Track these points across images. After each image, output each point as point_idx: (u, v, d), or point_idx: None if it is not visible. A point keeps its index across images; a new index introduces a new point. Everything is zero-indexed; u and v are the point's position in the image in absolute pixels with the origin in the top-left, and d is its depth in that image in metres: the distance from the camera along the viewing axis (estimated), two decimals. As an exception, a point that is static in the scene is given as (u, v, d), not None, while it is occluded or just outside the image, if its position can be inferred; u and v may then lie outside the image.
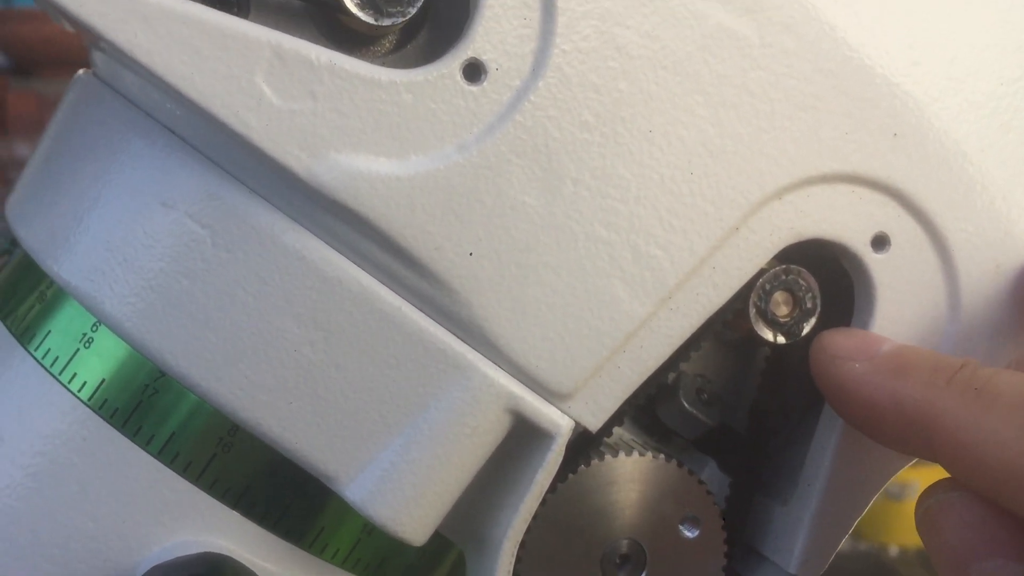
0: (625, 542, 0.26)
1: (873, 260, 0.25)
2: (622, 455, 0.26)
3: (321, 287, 0.23)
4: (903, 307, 0.25)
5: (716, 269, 0.24)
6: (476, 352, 0.23)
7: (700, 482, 0.26)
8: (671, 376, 0.27)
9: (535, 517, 0.25)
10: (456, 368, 0.23)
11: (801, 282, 0.26)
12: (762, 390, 0.27)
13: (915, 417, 0.23)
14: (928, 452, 0.23)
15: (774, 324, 0.26)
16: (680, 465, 0.26)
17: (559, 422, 0.23)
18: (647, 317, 0.24)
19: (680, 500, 0.26)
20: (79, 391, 0.24)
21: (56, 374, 0.24)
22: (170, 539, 0.24)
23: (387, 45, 0.23)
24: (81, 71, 0.27)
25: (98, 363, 0.24)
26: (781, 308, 0.26)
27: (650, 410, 0.27)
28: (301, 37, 0.22)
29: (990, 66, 0.26)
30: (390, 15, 0.22)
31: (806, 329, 0.26)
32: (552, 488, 0.25)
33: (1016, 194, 0.26)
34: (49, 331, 0.25)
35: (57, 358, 0.24)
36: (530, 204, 0.23)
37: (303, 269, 0.22)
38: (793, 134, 0.24)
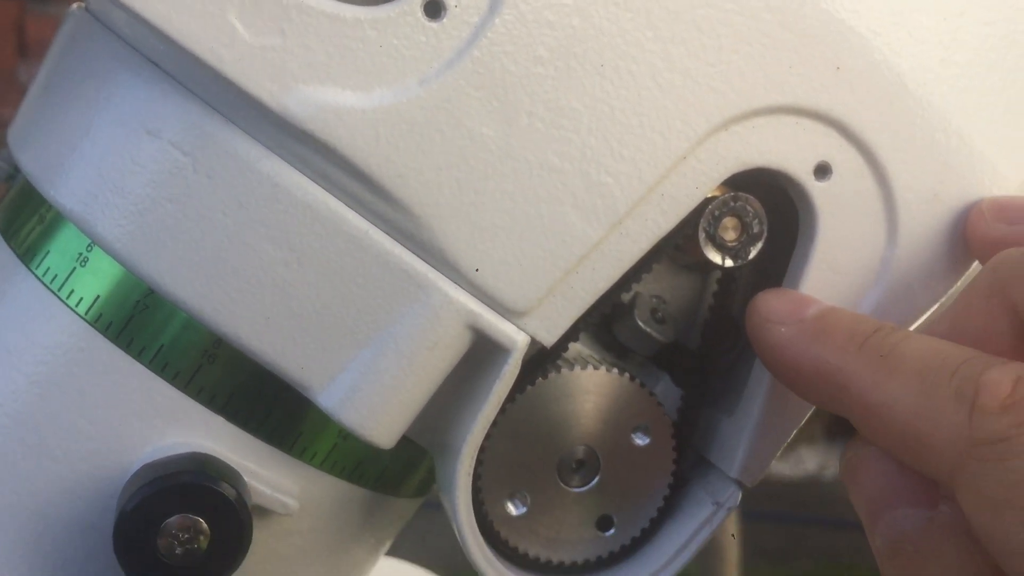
0: (581, 448, 0.28)
1: (815, 188, 0.26)
2: (578, 368, 0.27)
3: (294, 211, 0.24)
4: (844, 233, 0.27)
5: (664, 196, 0.25)
6: (437, 272, 0.25)
7: (651, 394, 0.28)
8: (627, 296, 0.28)
9: (495, 424, 0.27)
10: (419, 287, 0.25)
11: (749, 208, 0.27)
12: (713, 310, 0.29)
13: (831, 379, 0.24)
14: (845, 412, 0.25)
15: (723, 248, 0.27)
16: (632, 379, 0.28)
17: (515, 337, 0.25)
18: (599, 241, 0.25)
19: (632, 410, 0.28)
20: (77, 306, 0.26)
21: (56, 291, 0.26)
22: (162, 441, 0.26)
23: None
24: (74, 5, 0.29)
25: (93, 281, 0.26)
26: (729, 233, 0.27)
27: (609, 328, 0.29)
28: None
29: (934, 2, 0.27)
30: None
31: (753, 253, 0.27)
32: (511, 398, 0.27)
33: (956, 126, 0.27)
34: (48, 251, 0.26)
35: (56, 276, 0.26)
36: (487, 135, 0.24)
37: (277, 194, 0.24)
38: (739, 68, 0.25)
